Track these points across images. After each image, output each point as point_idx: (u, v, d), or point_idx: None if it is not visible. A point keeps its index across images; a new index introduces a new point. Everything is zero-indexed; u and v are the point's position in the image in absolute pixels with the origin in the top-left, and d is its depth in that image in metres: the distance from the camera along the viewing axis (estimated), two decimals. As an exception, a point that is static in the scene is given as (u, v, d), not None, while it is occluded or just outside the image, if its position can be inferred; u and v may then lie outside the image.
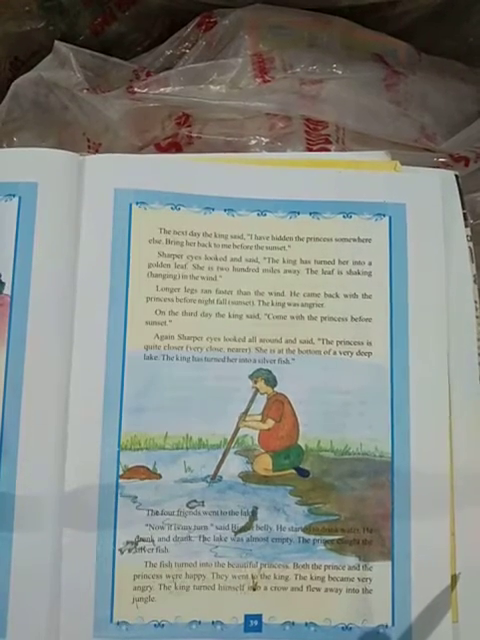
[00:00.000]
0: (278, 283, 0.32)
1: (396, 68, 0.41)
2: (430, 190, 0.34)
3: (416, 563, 0.30)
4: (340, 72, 0.39)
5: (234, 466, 0.31)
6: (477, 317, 0.33)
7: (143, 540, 0.30)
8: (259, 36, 0.40)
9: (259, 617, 0.30)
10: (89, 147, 0.40)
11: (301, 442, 0.31)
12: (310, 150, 0.39)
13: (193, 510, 0.30)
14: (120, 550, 0.30)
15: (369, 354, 0.32)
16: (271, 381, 0.32)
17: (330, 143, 0.39)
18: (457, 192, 0.34)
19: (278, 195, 0.33)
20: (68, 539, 0.30)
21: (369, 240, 0.33)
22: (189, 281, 0.32)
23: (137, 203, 0.32)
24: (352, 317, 0.32)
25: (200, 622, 0.30)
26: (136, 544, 0.30)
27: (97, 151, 0.40)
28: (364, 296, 0.33)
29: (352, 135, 0.39)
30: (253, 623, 0.30)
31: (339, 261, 0.33)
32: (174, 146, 0.39)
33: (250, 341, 0.32)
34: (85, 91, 0.38)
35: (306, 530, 0.31)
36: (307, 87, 0.39)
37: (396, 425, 0.31)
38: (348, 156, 0.36)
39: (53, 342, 0.31)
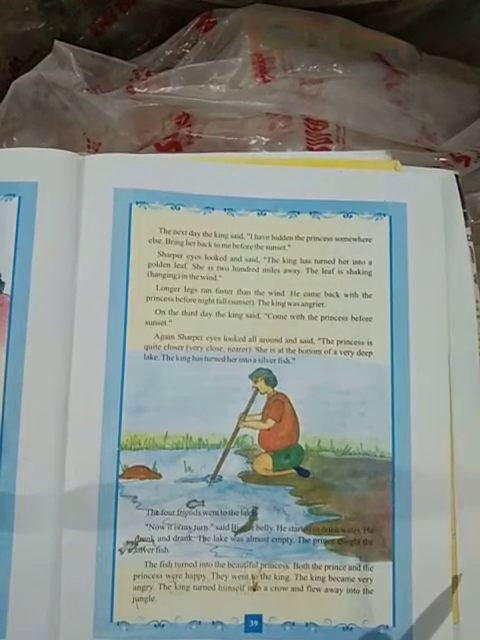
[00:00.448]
0: (278, 283, 0.32)
1: (397, 68, 0.41)
2: (430, 190, 0.34)
3: (417, 563, 0.30)
4: (340, 72, 0.39)
5: (234, 466, 0.31)
6: (478, 317, 0.33)
7: (143, 540, 0.30)
8: (259, 36, 0.40)
9: (259, 617, 0.30)
10: (89, 147, 0.40)
11: (301, 442, 0.31)
12: (310, 150, 0.39)
13: (193, 510, 0.30)
14: (120, 550, 0.30)
15: (369, 354, 0.32)
16: (271, 381, 0.31)
17: (330, 143, 0.39)
18: (457, 192, 0.34)
19: (278, 195, 0.33)
20: (68, 539, 0.30)
21: (369, 240, 0.33)
22: (189, 281, 0.32)
23: (137, 203, 0.32)
24: (352, 317, 0.32)
25: (200, 622, 0.30)
26: (136, 544, 0.30)
27: (97, 151, 0.40)
28: (364, 296, 0.33)
29: (352, 135, 0.39)
30: (253, 623, 0.30)
31: (339, 261, 0.33)
32: (174, 146, 0.39)
33: (250, 341, 0.32)
34: (85, 91, 0.38)
35: (306, 530, 0.31)
36: (307, 87, 0.39)
37: (397, 425, 0.31)
38: (348, 156, 0.36)
39: (53, 342, 0.31)
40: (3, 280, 0.31)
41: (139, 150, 0.40)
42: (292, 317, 0.32)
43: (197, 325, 0.32)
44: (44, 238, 0.32)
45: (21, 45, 0.43)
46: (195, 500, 0.31)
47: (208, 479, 0.31)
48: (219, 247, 0.33)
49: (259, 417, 0.31)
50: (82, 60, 0.39)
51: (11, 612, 0.29)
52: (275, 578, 0.30)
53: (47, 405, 0.30)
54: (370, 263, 0.33)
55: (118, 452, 0.30)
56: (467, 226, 0.34)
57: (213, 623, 0.30)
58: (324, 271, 0.33)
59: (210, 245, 0.33)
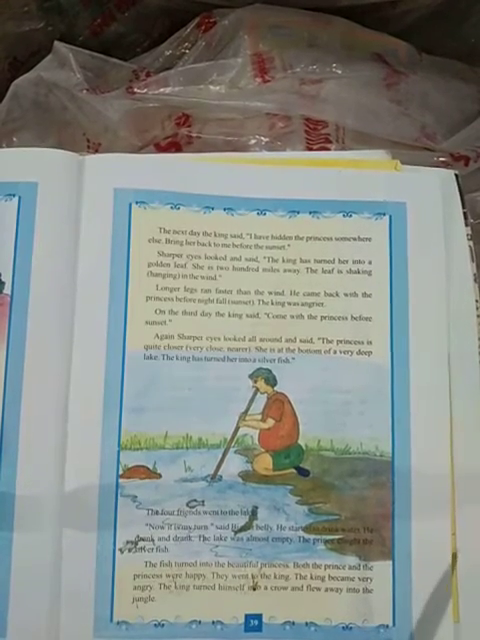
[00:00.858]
0: (278, 282, 0.32)
1: (396, 68, 0.41)
2: (430, 189, 0.34)
3: (417, 563, 0.30)
4: (340, 72, 0.39)
5: (234, 465, 0.31)
6: (478, 316, 0.33)
7: (143, 540, 0.30)
8: (259, 36, 0.40)
9: (259, 617, 0.30)
10: (89, 147, 0.40)
11: (301, 441, 0.31)
12: (310, 149, 0.39)
13: (193, 510, 0.30)
14: (120, 550, 0.30)
15: (369, 353, 0.32)
16: (271, 380, 0.31)
17: (330, 142, 0.39)
18: (457, 191, 0.34)
19: (278, 194, 0.33)
20: (68, 539, 0.30)
21: (369, 239, 0.33)
22: (189, 280, 0.32)
23: (137, 203, 0.32)
24: (352, 316, 0.32)
25: (200, 622, 0.30)
26: (136, 544, 0.30)
27: (97, 151, 0.40)
28: (364, 295, 0.33)
29: (352, 134, 0.39)
30: (253, 623, 0.30)
31: (339, 260, 0.33)
32: (174, 146, 0.39)
33: (250, 340, 0.32)
34: (85, 91, 0.38)
35: (306, 530, 0.31)
36: (307, 87, 0.39)
37: (396, 424, 0.31)
38: (348, 155, 0.36)
39: (53, 342, 0.31)
40: (3, 280, 0.31)
41: (139, 150, 0.40)
42: (292, 317, 0.32)
43: (197, 325, 0.32)
44: (44, 238, 0.32)
45: (20, 45, 0.43)
46: (195, 500, 0.31)
47: (208, 479, 0.31)
48: (219, 247, 0.33)
49: (259, 417, 0.31)
50: (82, 60, 0.39)
51: (11, 612, 0.29)
52: (275, 577, 0.30)
53: (47, 405, 0.30)
54: (370, 263, 0.33)
55: (118, 452, 0.30)
56: (467, 226, 0.34)
57: (213, 623, 0.30)
58: (324, 271, 0.33)
59: (210, 245, 0.33)
